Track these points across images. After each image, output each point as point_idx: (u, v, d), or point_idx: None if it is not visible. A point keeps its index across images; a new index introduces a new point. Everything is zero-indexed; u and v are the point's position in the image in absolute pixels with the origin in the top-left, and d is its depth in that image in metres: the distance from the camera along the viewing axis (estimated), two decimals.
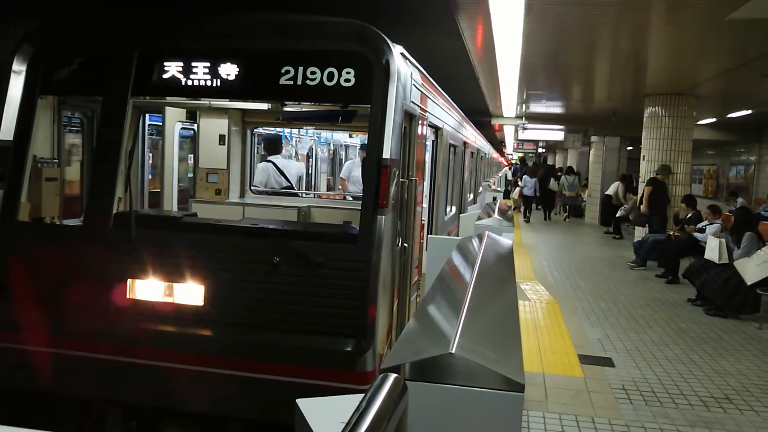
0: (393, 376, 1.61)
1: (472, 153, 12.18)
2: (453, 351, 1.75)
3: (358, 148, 14.90)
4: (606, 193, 19.21)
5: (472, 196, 12.94)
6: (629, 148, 22.99)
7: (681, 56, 9.43)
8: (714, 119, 17.25)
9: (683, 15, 6.88)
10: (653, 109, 12.97)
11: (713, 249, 9.30)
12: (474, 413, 1.69)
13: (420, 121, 4.98)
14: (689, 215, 11.60)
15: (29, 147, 4.24)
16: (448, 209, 8.48)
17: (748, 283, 8.42)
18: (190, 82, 4.10)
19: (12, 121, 4.16)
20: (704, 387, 5.95)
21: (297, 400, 1.63)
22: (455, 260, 3.79)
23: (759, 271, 8.28)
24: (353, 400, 1.51)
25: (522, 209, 22.57)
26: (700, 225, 10.94)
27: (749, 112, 14.91)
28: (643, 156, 13.32)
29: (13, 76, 4.18)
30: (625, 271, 12.29)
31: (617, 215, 17.56)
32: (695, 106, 13.00)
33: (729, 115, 15.87)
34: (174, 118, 6.42)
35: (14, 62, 4.21)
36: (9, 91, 4.17)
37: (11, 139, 4.15)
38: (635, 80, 11.85)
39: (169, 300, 3.88)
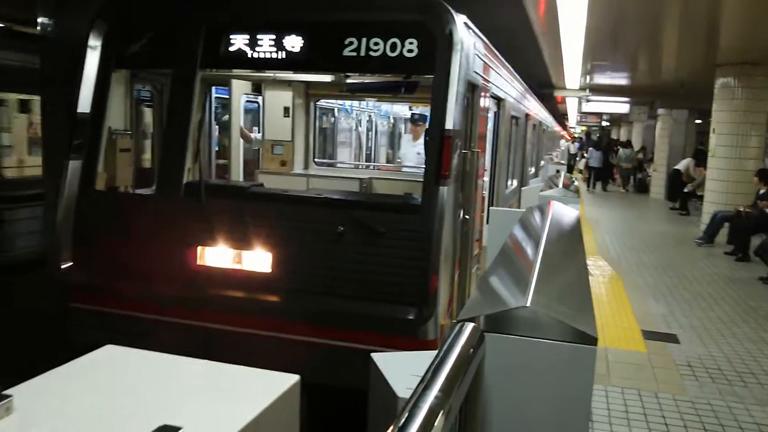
0: (471, 324, 1.65)
1: (534, 125, 11.97)
2: (528, 305, 1.78)
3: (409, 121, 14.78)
4: (675, 167, 18.53)
5: (533, 169, 12.75)
6: (698, 120, 22.09)
7: (757, 19, 8.91)
8: None
9: None
10: (725, 80, 12.40)
11: None
12: (548, 365, 1.72)
13: (482, 92, 4.93)
14: (762, 191, 11.12)
15: (105, 119, 4.43)
16: (510, 182, 8.39)
17: None
18: (255, 55, 4.18)
19: (89, 95, 4.34)
20: None
21: (372, 355, 1.69)
22: (519, 232, 3.77)
23: None
24: (425, 356, 1.55)
25: (588, 180, 22.57)
26: None
27: None
28: (713, 129, 12.81)
29: (88, 51, 4.35)
30: (691, 248, 11.92)
31: (685, 191, 17.00)
32: None
33: None
34: (240, 91, 6.55)
35: (90, 37, 4.36)
36: (85, 65, 4.33)
37: (88, 111, 4.34)
38: (706, 49, 11.33)
39: (237, 266, 4.02)
